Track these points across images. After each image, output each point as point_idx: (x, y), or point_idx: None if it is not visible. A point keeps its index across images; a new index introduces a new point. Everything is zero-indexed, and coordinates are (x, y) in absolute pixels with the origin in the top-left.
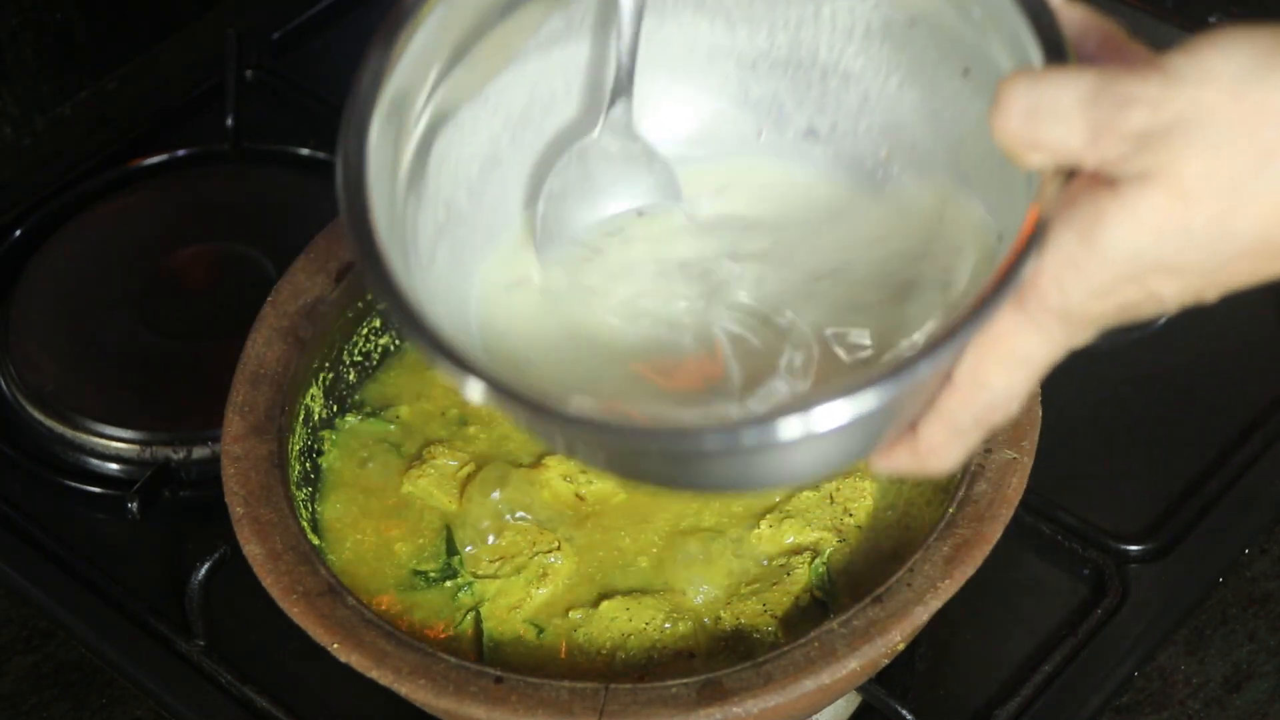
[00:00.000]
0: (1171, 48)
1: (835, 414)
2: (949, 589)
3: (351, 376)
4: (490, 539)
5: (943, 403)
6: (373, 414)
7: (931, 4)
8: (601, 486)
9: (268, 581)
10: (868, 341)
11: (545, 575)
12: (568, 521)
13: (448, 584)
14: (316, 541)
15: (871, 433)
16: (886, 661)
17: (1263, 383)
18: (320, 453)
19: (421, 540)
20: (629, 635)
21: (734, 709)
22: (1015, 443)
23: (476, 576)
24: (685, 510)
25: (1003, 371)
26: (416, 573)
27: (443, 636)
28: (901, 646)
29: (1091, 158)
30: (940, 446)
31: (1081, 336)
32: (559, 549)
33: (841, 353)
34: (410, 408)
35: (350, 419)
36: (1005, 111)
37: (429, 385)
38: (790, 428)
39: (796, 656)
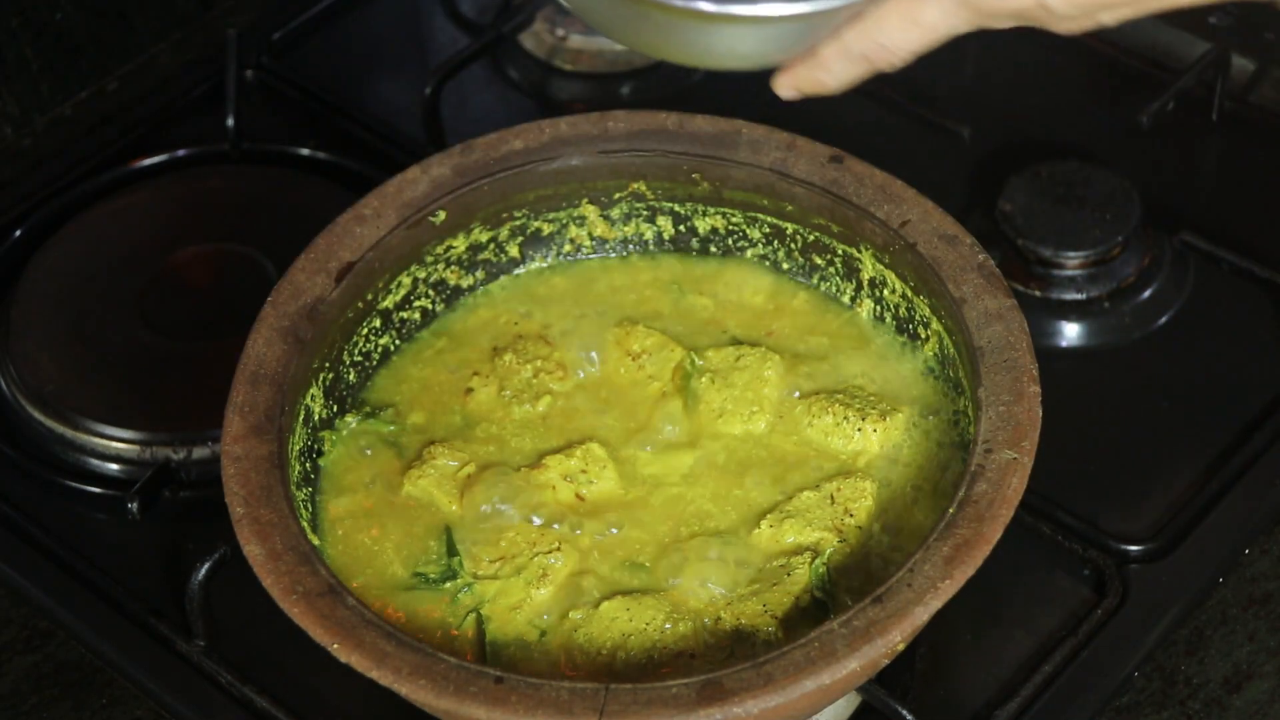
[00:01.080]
0: (1171, 48)
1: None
2: (949, 589)
3: (351, 376)
4: (490, 539)
5: (845, 32)
6: (372, 414)
7: None
8: (602, 487)
9: (268, 582)
10: None
11: (545, 575)
12: (568, 522)
13: (448, 585)
14: (316, 542)
15: (801, 32)
16: (886, 661)
17: (1263, 383)
18: (320, 453)
19: (422, 541)
20: (629, 635)
21: (734, 709)
22: (1015, 443)
23: (477, 578)
24: (686, 511)
25: (902, 26)
26: (417, 574)
27: (444, 637)
28: (901, 646)
29: None
30: (830, 63)
31: (972, 23)
32: (559, 549)
33: None
34: (411, 408)
35: (350, 419)
36: None
37: (430, 385)
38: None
39: (796, 656)
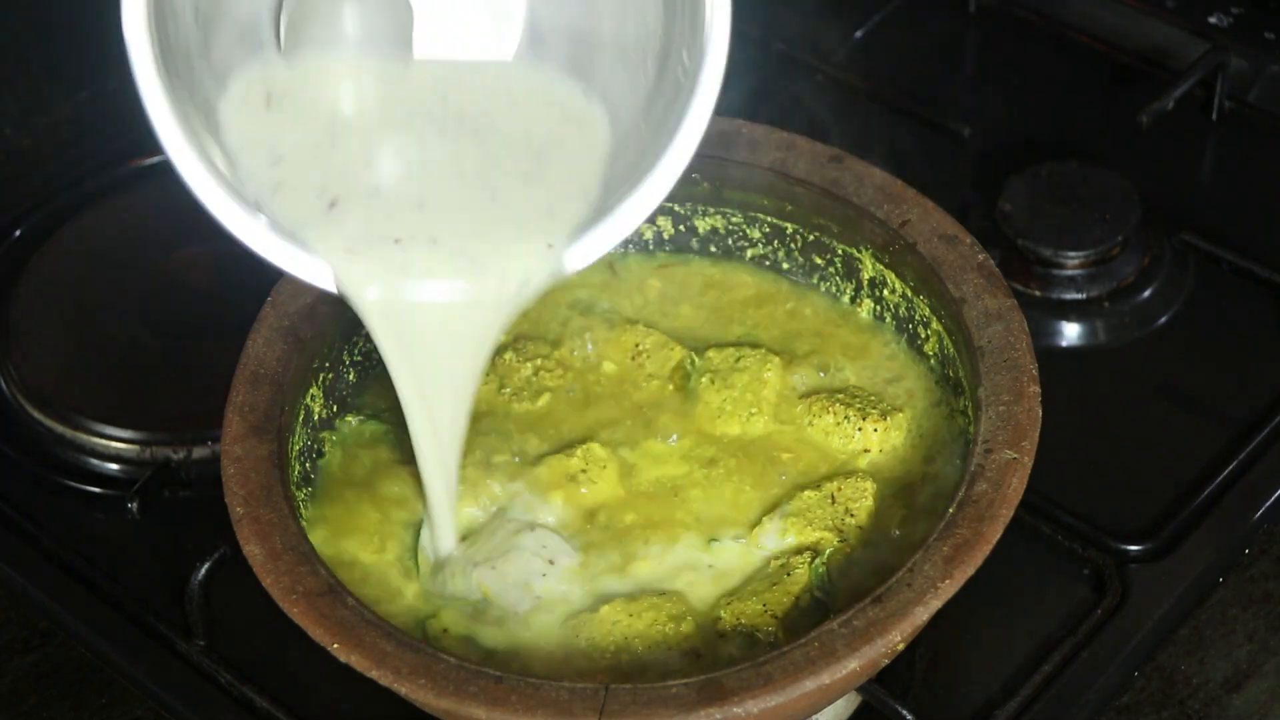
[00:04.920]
0: (1171, 48)
1: None
2: (949, 589)
3: (351, 376)
4: (490, 540)
5: None
6: (374, 416)
7: None
8: (602, 486)
9: (268, 581)
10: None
11: (545, 576)
12: (569, 523)
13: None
14: (317, 542)
15: None
16: (886, 661)
17: (1263, 383)
18: (321, 454)
19: (419, 542)
20: (630, 637)
21: (734, 709)
22: (1015, 443)
23: (476, 577)
24: (686, 510)
25: None
26: (410, 576)
27: (436, 639)
28: (901, 646)
29: None
30: None
31: None
32: (559, 549)
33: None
34: None
35: (350, 419)
36: None
37: None
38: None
39: (796, 656)
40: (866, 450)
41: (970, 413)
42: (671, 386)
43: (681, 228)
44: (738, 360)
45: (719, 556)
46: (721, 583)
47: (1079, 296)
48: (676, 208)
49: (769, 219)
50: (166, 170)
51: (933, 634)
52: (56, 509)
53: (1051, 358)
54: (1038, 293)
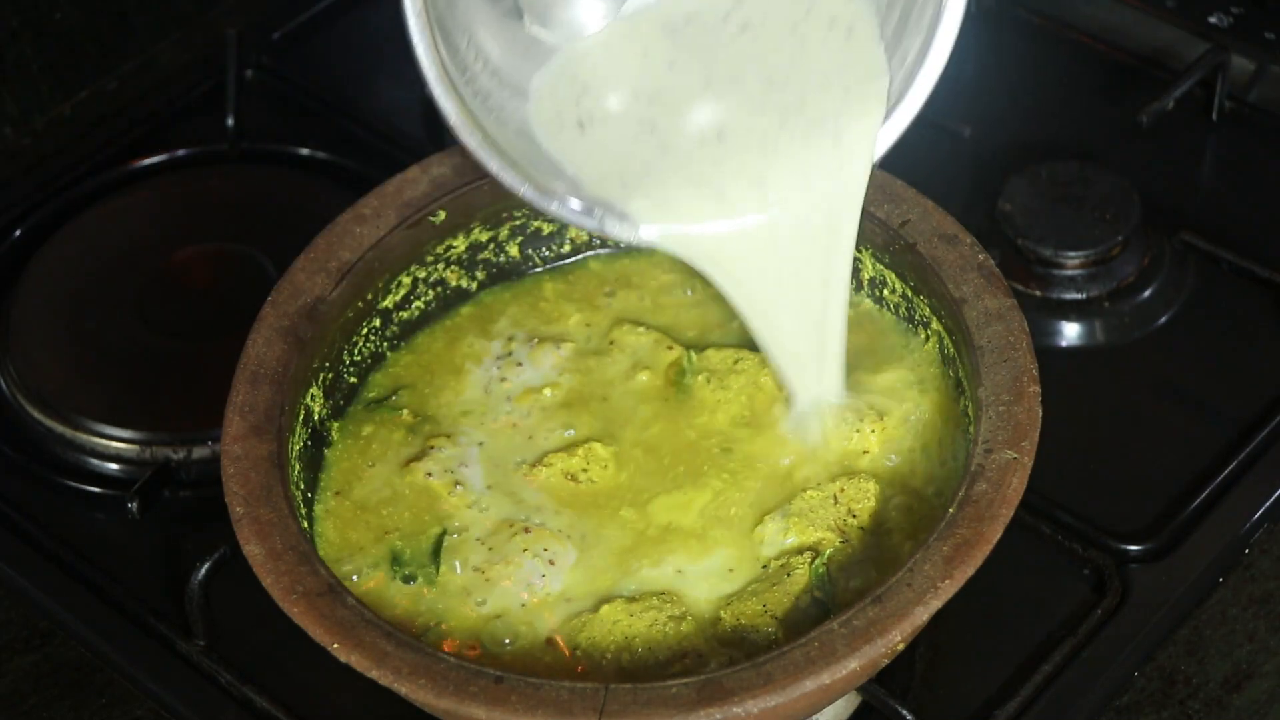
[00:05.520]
0: (1171, 48)
1: None
2: (949, 589)
3: (352, 377)
4: (489, 537)
5: None
6: (379, 401)
7: None
8: (603, 486)
9: (268, 581)
10: None
11: (545, 576)
12: (569, 521)
13: (439, 584)
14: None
15: None
16: (886, 661)
17: (1263, 383)
18: (329, 443)
19: (417, 537)
20: (631, 637)
21: (734, 709)
22: (1015, 443)
23: (478, 572)
24: (687, 510)
25: None
26: (407, 575)
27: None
28: (901, 646)
29: None
30: None
31: None
32: (559, 549)
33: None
34: (413, 403)
35: (356, 407)
36: None
37: (431, 381)
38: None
39: (796, 656)
40: (866, 451)
41: (970, 413)
42: (669, 385)
43: None
44: (736, 362)
45: (719, 556)
46: (721, 583)
47: (1079, 296)
48: None
49: None
50: (166, 170)
51: (933, 634)
52: (56, 509)
53: (1051, 358)
54: (1038, 293)
